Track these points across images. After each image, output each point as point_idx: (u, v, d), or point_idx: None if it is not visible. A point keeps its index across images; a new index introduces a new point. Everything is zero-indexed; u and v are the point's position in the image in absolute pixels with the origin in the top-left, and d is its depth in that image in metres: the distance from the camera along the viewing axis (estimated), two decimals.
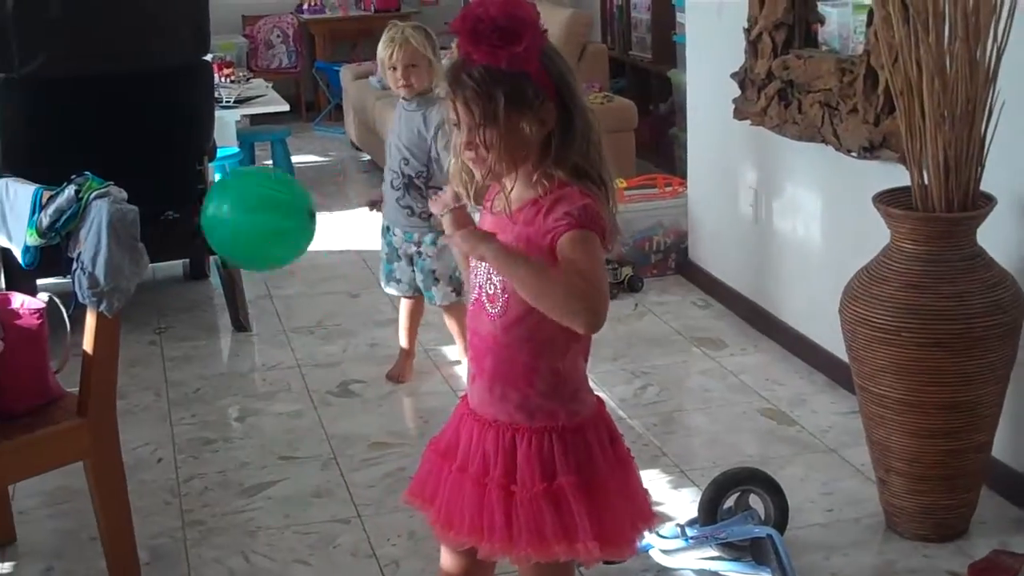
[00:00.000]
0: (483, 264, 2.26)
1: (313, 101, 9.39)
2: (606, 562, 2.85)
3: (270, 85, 7.36)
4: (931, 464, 3.20)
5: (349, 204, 7.07)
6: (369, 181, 7.60)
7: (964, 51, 3.00)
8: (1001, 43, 3.01)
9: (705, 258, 5.29)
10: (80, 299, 2.88)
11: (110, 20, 4.82)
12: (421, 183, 4.14)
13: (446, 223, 2.30)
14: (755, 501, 3.25)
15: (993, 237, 3.18)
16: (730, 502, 3.23)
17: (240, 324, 5.08)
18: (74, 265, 2.88)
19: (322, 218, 6.49)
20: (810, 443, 3.87)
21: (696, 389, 4.36)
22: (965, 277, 3.10)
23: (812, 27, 4.33)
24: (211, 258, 5.62)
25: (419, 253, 4.24)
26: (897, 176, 3.55)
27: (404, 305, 4.40)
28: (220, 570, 3.28)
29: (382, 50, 4.12)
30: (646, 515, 2.36)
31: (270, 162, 7.44)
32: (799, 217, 4.49)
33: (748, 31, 4.45)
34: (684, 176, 5.64)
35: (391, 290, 4.41)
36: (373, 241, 6.16)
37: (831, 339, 4.21)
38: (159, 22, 4.92)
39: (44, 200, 2.96)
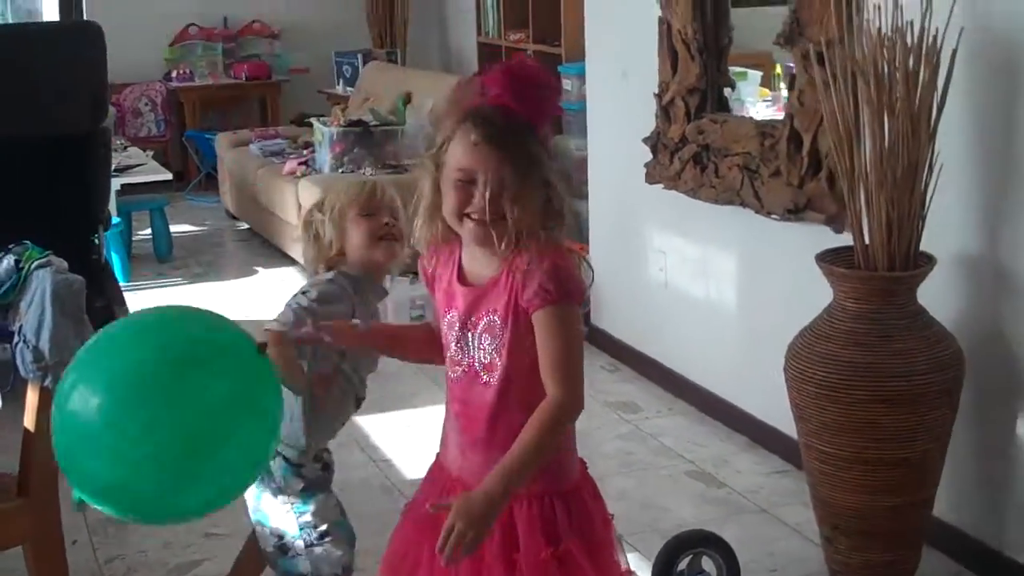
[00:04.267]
0: (471, 334, 2.18)
1: (183, 170, 9.18)
2: None
3: (150, 154, 7.19)
4: (877, 521, 3.23)
5: (227, 274, 6.97)
6: (247, 248, 7.47)
7: (905, 110, 3.07)
8: (941, 101, 3.10)
9: (610, 322, 5.29)
10: (23, 373, 2.74)
11: (2, 83, 4.66)
12: None
13: None
14: (707, 563, 3.23)
15: (932, 296, 3.24)
16: (683, 565, 3.21)
17: None
18: (15, 338, 2.74)
19: (200, 289, 6.48)
20: (741, 504, 3.87)
21: (617, 453, 4.33)
22: (908, 335, 3.15)
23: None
24: None
25: None
26: (820, 237, 3.61)
27: None
28: None
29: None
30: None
31: (149, 231, 7.24)
32: (712, 280, 4.52)
33: (660, 96, 4.49)
34: (581, 241, 5.66)
35: None
36: (253, 311, 6.08)
37: (749, 400, 4.26)
38: (54, 87, 4.76)
39: None
